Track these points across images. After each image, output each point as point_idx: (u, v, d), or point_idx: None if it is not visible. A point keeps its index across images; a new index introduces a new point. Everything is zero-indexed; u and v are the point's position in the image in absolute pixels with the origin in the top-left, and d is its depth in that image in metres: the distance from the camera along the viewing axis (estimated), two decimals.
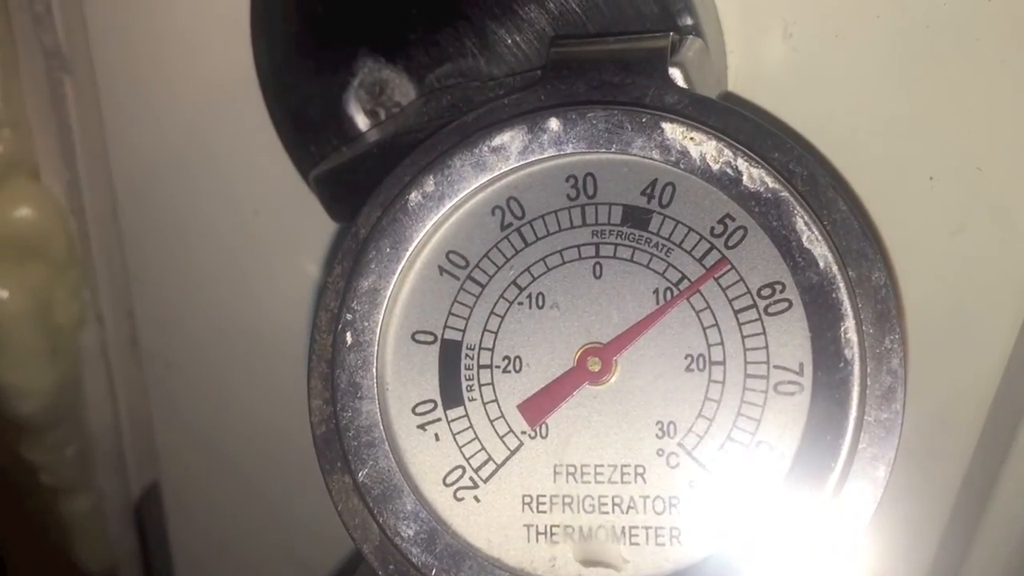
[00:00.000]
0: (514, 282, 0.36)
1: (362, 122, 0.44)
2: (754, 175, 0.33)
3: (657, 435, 0.34)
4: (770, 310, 0.34)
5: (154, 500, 0.65)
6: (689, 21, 0.38)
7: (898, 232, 0.40)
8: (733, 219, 0.34)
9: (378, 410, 0.35)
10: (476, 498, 0.35)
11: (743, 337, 0.34)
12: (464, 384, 0.35)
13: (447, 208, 0.35)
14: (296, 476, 0.53)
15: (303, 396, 0.36)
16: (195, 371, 0.60)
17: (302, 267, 0.53)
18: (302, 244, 0.52)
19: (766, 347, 0.34)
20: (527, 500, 0.35)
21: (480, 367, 0.35)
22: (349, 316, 0.35)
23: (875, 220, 0.40)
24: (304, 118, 0.45)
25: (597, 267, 0.35)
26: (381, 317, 0.35)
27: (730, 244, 0.34)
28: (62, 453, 0.63)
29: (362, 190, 0.37)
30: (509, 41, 0.40)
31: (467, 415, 0.35)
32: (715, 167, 0.33)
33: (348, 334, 0.35)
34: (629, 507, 0.34)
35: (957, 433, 0.44)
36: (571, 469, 0.35)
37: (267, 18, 0.44)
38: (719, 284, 0.34)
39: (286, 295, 0.54)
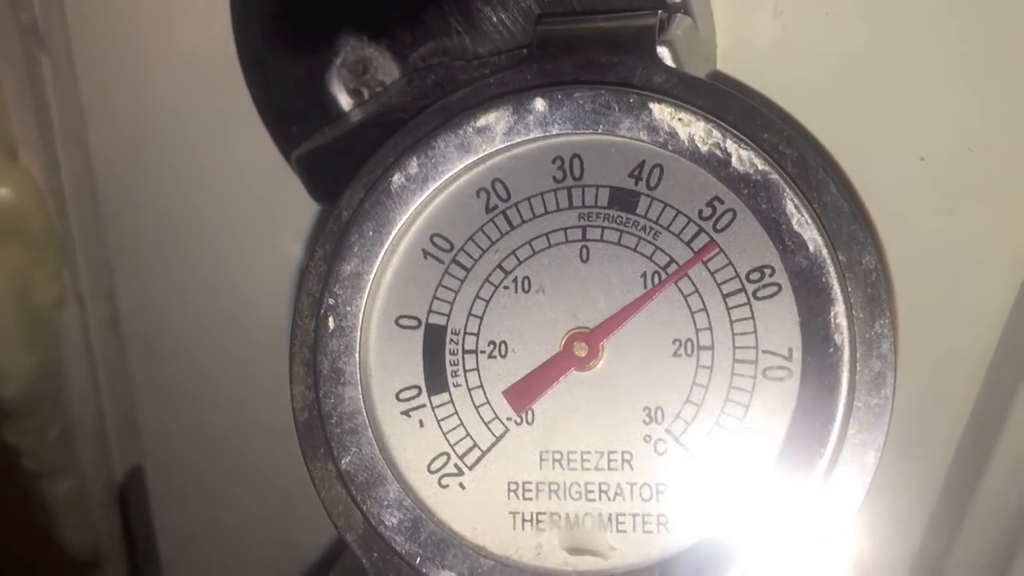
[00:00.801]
0: (499, 266, 0.35)
1: (345, 101, 0.43)
2: (743, 157, 0.32)
3: (644, 421, 0.34)
4: (759, 294, 0.33)
5: (137, 483, 0.65)
6: None
7: (888, 212, 0.40)
8: (722, 201, 0.33)
9: (361, 396, 0.34)
10: (461, 485, 0.35)
11: (732, 321, 0.33)
12: (449, 369, 0.35)
13: (431, 190, 0.35)
14: (280, 457, 0.52)
15: (286, 378, 0.36)
16: (177, 352, 0.60)
17: (283, 247, 0.52)
18: (284, 225, 0.52)
19: (755, 332, 0.33)
20: (513, 487, 0.34)
21: (465, 352, 0.35)
22: (331, 301, 0.35)
23: (865, 200, 0.40)
24: (286, 98, 0.44)
25: (584, 250, 0.34)
26: (364, 302, 0.35)
27: (719, 227, 0.33)
28: (43, 436, 0.62)
29: (345, 171, 0.37)
30: (494, 19, 0.39)
31: (452, 401, 0.35)
32: (704, 149, 0.33)
33: (330, 319, 0.35)
34: (616, 494, 0.34)
35: (947, 415, 0.43)
36: (557, 455, 0.34)
37: None
38: (707, 268, 0.34)
39: (268, 275, 0.53)
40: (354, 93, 0.43)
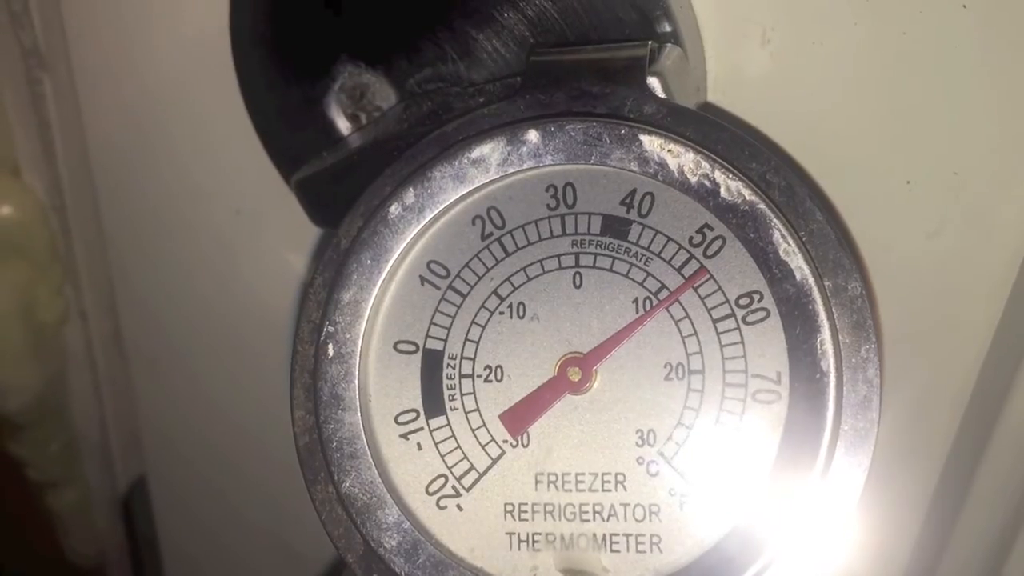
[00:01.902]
0: (495, 292, 0.36)
1: (343, 126, 0.44)
2: (731, 187, 0.33)
3: (637, 443, 0.35)
4: (748, 319, 0.34)
5: (141, 493, 0.66)
6: (668, 28, 0.38)
7: (875, 235, 0.41)
8: (711, 229, 0.34)
9: (360, 421, 0.35)
10: (459, 507, 0.35)
11: (722, 346, 0.34)
12: (446, 393, 0.36)
13: (427, 219, 0.35)
14: (281, 468, 0.53)
15: (286, 389, 0.37)
16: (179, 365, 0.60)
17: (284, 262, 0.53)
18: (284, 239, 0.52)
19: (744, 356, 0.34)
20: (509, 508, 0.35)
21: (462, 376, 0.36)
22: (331, 328, 0.35)
23: (852, 224, 0.41)
24: (285, 122, 0.45)
25: (577, 277, 0.35)
26: (363, 328, 0.35)
27: (708, 254, 0.34)
28: (48, 448, 0.63)
29: (344, 195, 0.37)
30: (489, 47, 0.40)
31: (449, 424, 0.36)
32: (693, 179, 0.34)
33: (330, 346, 0.35)
34: (610, 515, 0.35)
35: (933, 434, 0.44)
36: (552, 477, 0.35)
37: (248, 21, 0.44)
38: (698, 293, 0.34)
39: (270, 288, 0.54)
40: (352, 118, 0.43)
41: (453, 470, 0.36)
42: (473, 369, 0.36)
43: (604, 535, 0.35)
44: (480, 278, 0.36)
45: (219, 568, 0.66)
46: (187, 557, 0.67)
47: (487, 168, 0.35)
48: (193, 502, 0.64)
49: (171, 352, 0.60)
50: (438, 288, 0.36)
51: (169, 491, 0.65)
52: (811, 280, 0.33)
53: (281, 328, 0.54)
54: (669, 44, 0.38)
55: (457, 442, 0.36)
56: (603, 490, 0.35)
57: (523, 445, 0.35)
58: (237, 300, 0.56)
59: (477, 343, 0.36)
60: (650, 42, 0.36)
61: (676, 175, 0.34)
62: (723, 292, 0.34)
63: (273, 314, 0.54)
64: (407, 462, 0.36)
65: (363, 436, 0.35)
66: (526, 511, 0.35)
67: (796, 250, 0.33)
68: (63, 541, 0.67)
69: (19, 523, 0.67)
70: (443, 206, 0.35)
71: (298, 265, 0.53)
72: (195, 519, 0.65)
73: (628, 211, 0.35)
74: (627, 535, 0.34)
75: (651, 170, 0.34)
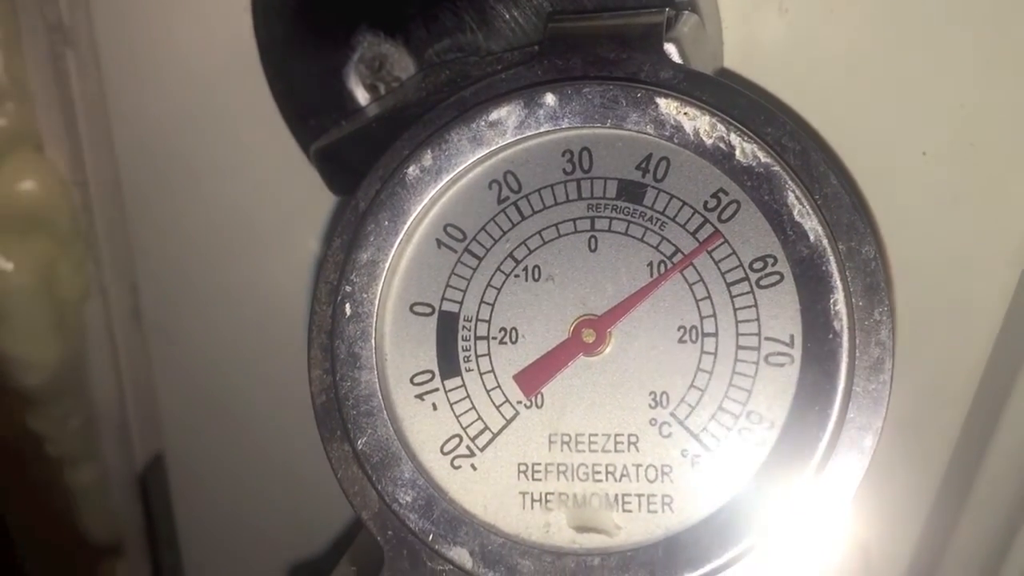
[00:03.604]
0: (511, 255, 0.36)
1: (362, 96, 0.44)
2: (747, 150, 0.33)
3: (650, 405, 0.35)
4: (762, 283, 0.34)
5: (159, 470, 0.66)
6: None
7: (890, 205, 0.41)
8: (726, 193, 0.34)
9: (377, 380, 0.36)
10: (473, 466, 0.36)
11: (735, 309, 0.34)
12: (461, 355, 0.36)
13: (445, 182, 0.36)
14: (299, 445, 0.53)
15: (303, 368, 0.37)
16: (198, 343, 0.61)
17: (301, 240, 0.53)
18: (303, 216, 0.53)
19: (757, 319, 0.34)
20: (523, 468, 0.35)
21: (477, 338, 0.36)
22: (348, 288, 0.36)
23: (867, 193, 0.41)
24: (304, 92, 0.45)
25: (592, 240, 0.36)
26: (380, 289, 0.36)
27: (723, 218, 0.34)
28: (66, 424, 0.63)
29: (362, 164, 0.38)
30: (507, 16, 0.40)
31: (464, 385, 0.36)
32: (708, 142, 0.34)
33: (347, 305, 0.36)
34: (622, 475, 0.35)
35: (947, 405, 0.44)
36: (566, 438, 0.35)
37: None
38: (712, 257, 0.35)
39: (287, 267, 0.54)
40: (371, 88, 0.44)
41: (468, 430, 0.36)
42: (488, 331, 0.36)
43: (616, 495, 0.35)
44: (496, 241, 0.36)
45: (236, 545, 0.66)
46: (203, 534, 0.67)
47: (504, 130, 0.35)
48: (210, 480, 0.65)
49: (190, 329, 0.60)
50: (454, 251, 0.36)
51: (186, 469, 0.65)
52: (825, 242, 0.33)
53: (298, 307, 0.54)
54: (686, 11, 0.38)
55: (472, 403, 0.36)
56: (616, 451, 0.35)
57: (537, 406, 0.36)
58: (256, 278, 0.56)
59: (492, 305, 0.36)
60: (667, 9, 0.37)
61: (692, 138, 0.34)
62: (737, 256, 0.34)
63: (291, 293, 0.54)
64: (422, 422, 0.36)
65: (379, 394, 0.36)
66: (539, 471, 0.35)
67: (811, 212, 0.33)
68: (80, 518, 0.67)
69: (36, 499, 0.68)
70: (460, 168, 0.36)
71: (315, 243, 0.53)
72: (212, 497, 0.65)
73: (644, 175, 0.35)
74: (639, 495, 0.35)
75: (667, 133, 0.34)
